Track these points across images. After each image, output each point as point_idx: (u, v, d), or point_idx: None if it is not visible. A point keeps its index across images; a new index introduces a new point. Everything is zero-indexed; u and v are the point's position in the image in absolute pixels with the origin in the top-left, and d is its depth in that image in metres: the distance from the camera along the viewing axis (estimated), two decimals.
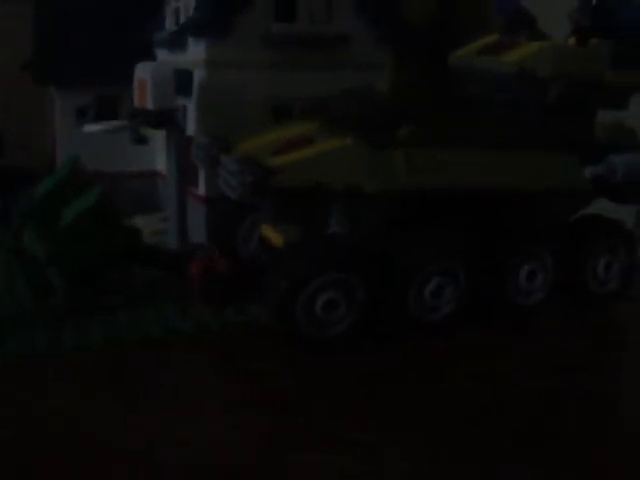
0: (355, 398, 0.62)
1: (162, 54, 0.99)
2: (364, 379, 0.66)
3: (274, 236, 0.76)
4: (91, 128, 0.84)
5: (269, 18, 0.89)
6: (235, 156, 0.70)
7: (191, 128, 0.90)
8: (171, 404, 0.60)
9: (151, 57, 1.00)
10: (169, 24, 0.98)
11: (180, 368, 0.67)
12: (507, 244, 0.76)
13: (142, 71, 0.85)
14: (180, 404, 0.60)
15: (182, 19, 0.94)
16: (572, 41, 0.82)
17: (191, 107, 0.90)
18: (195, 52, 0.90)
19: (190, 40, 0.91)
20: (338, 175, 0.68)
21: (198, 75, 0.89)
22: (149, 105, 0.83)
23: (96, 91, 0.99)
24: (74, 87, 0.98)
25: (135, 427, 0.56)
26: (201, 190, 0.90)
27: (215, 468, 0.51)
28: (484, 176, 0.73)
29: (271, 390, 0.63)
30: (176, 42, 0.94)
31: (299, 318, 0.68)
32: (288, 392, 0.63)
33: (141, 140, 0.91)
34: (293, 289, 0.67)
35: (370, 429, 0.57)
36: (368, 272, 0.70)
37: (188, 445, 0.54)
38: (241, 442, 0.55)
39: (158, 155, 1.02)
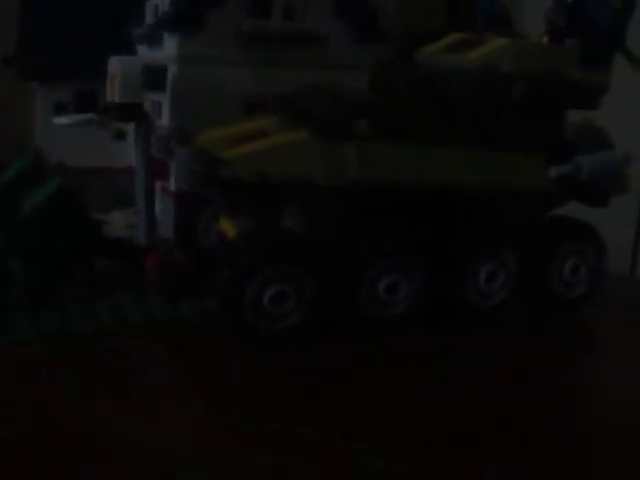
0: (302, 395, 0.61)
1: (142, 50, 1.00)
2: (313, 376, 0.65)
3: (229, 228, 0.75)
4: (61, 120, 0.84)
5: (243, 14, 0.89)
6: (187, 147, 0.69)
7: (165, 122, 0.90)
8: (121, 395, 0.60)
9: (132, 53, 1.01)
10: (149, 20, 0.98)
11: (133, 360, 0.67)
12: (466, 243, 0.75)
13: (113, 65, 0.85)
14: (130, 396, 0.60)
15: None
16: (545, 40, 0.81)
17: (165, 102, 0.90)
18: (169, 47, 0.90)
19: (165, 36, 0.91)
20: (288, 167, 0.68)
21: (172, 70, 0.89)
22: (117, 98, 0.83)
23: (75, 86, 0.99)
24: (54, 82, 0.99)
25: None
26: (172, 185, 0.90)
27: (155, 465, 0.51)
28: (441, 173, 0.72)
29: (219, 385, 0.63)
30: (153, 38, 0.94)
31: (247, 310, 0.67)
32: (236, 387, 0.62)
33: (120, 135, 0.91)
34: (238, 281, 0.67)
35: (317, 428, 0.56)
36: (317, 266, 0.69)
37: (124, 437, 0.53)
38: (182, 440, 0.53)
39: None
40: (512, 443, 0.55)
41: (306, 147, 0.69)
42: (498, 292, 0.77)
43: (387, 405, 0.60)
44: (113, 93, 0.85)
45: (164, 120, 0.91)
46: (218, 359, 0.67)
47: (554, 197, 0.79)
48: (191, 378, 0.65)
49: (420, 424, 0.57)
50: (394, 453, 0.53)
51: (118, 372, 0.64)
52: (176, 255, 0.77)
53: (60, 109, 0.98)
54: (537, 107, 0.76)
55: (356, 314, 0.72)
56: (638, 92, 0.94)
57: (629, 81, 0.80)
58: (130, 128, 0.91)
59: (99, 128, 0.87)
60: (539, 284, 0.79)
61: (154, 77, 0.89)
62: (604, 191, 0.80)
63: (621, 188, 0.81)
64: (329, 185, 0.69)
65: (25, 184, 0.77)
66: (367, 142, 0.70)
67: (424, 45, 0.83)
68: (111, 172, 1.01)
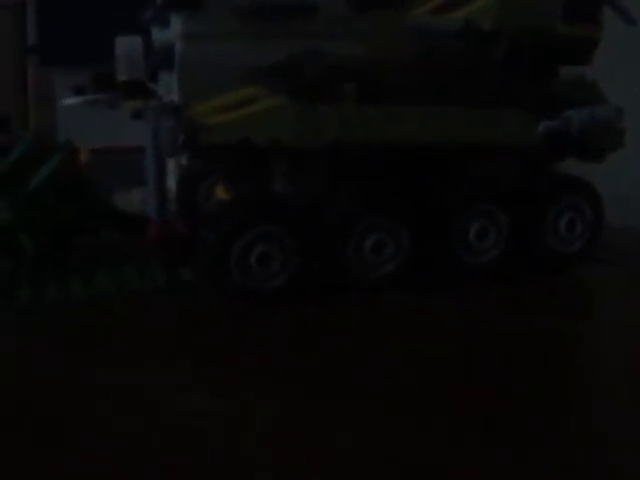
0: (282, 351, 0.63)
1: (155, 31, 1.03)
2: (297, 334, 0.66)
3: (222, 194, 0.78)
4: (69, 101, 0.88)
5: None
6: (171, 116, 0.72)
7: (175, 99, 0.93)
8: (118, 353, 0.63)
9: (147, 35, 1.04)
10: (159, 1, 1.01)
11: (134, 325, 0.69)
12: (452, 200, 0.76)
13: (118, 46, 0.88)
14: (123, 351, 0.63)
15: None
16: None
17: (173, 79, 0.93)
18: (175, 27, 0.93)
19: (172, 16, 0.94)
20: (265, 132, 0.70)
21: (178, 48, 0.92)
22: (121, 76, 0.86)
23: (93, 69, 1.03)
24: (72, 66, 1.02)
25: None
26: (183, 160, 0.93)
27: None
28: (425, 132, 0.74)
29: (208, 343, 0.65)
30: (163, 19, 0.97)
31: (234, 271, 0.69)
32: (224, 345, 0.65)
33: (138, 115, 0.94)
34: (223, 241, 0.69)
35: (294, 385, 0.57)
36: (300, 227, 0.71)
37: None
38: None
39: None
40: (503, 399, 0.54)
41: (285, 111, 0.71)
42: (490, 249, 0.77)
43: (375, 363, 0.61)
44: (119, 72, 0.88)
45: (174, 96, 0.94)
46: (210, 320, 0.70)
47: (546, 153, 0.79)
48: (183, 338, 0.67)
49: (404, 377, 0.58)
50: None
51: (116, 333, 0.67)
52: (176, 225, 0.79)
53: (79, 92, 1.02)
54: (521, 63, 0.76)
55: (343, 275, 0.73)
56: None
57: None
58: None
59: (108, 107, 0.90)
60: (533, 240, 0.79)
61: (164, 56, 0.93)
62: (599, 146, 0.80)
63: (617, 142, 0.80)
64: (309, 147, 0.71)
65: (30, 162, 0.81)
66: (347, 104, 0.72)
67: None
68: (132, 151, 1.04)
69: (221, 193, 0.78)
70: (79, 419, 0.51)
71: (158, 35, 1.01)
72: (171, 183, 0.94)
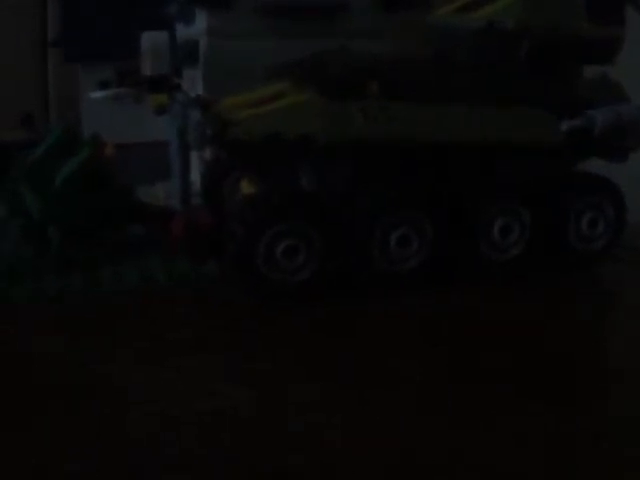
0: (301, 346, 0.64)
1: (179, 27, 1.04)
2: (316, 329, 0.67)
3: (248, 188, 0.79)
4: (96, 94, 0.89)
5: None
6: (199, 110, 0.73)
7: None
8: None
9: (171, 30, 1.04)
10: None
11: (159, 317, 0.70)
12: (476, 198, 0.76)
13: (144, 41, 0.90)
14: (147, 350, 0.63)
15: None
16: None
17: (198, 75, 0.94)
18: (200, 23, 0.94)
19: (197, 12, 0.95)
20: (293, 127, 0.71)
21: (203, 44, 0.93)
22: (146, 71, 0.87)
23: (117, 65, 1.04)
24: (98, 62, 1.03)
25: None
26: (207, 154, 0.94)
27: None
28: (448, 131, 0.74)
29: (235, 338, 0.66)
30: (187, 15, 0.98)
31: (259, 265, 0.70)
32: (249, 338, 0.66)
33: (162, 111, 0.95)
34: (250, 235, 0.70)
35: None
36: (325, 222, 0.72)
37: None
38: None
39: None
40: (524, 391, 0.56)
41: (311, 107, 0.71)
42: (513, 246, 0.78)
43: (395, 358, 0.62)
44: (145, 67, 0.89)
45: (199, 92, 0.94)
46: (236, 312, 0.71)
47: (569, 152, 0.79)
48: (210, 330, 0.68)
49: (420, 370, 0.59)
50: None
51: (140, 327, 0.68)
52: (202, 217, 0.80)
53: (104, 87, 1.03)
54: (544, 63, 0.77)
55: (369, 270, 0.74)
56: None
57: None
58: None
59: (134, 101, 0.91)
60: (556, 239, 0.80)
61: (188, 52, 0.93)
62: (622, 145, 0.80)
63: None
64: (335, 143, 0.71)
65: (59, 156, 0.82)
66: (373, 101, 0.72)
67: None
68: (155, 146, 1.05)
69: (246, 187, 0.79)
70: (105, 411, 0.52)
71: (183, 31, 1.02)
72: (195, 176, 0.95)
